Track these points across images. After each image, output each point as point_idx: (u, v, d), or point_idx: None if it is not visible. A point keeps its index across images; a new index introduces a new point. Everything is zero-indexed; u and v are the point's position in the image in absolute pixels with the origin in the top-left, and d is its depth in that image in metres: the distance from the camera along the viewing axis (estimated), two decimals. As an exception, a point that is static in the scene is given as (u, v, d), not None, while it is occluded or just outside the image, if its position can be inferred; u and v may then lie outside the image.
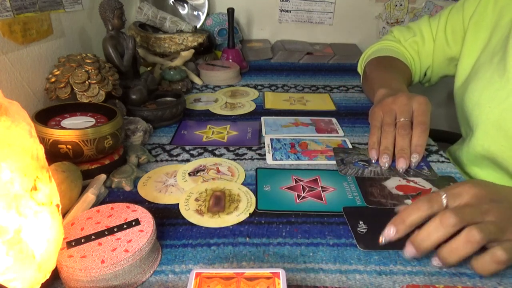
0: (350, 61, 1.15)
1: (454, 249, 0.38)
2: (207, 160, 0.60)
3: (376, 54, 0.84)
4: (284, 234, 0.45)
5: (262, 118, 0.76)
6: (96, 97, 0.62)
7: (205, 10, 1.21)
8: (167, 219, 0.47)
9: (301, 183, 0.55)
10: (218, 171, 0.57)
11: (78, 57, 0.63)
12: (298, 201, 0.51)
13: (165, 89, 0.85)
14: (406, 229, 0.41)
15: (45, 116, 0.54)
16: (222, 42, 1.18)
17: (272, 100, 0.86)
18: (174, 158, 0.61)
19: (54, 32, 0.71)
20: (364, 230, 0.45)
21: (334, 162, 0.60)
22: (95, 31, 0.87)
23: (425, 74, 0.85)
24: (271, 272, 0.33)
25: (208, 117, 0.77)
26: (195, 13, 1.22)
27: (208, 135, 0.69)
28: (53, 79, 0.61)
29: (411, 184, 0.55)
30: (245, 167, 0.59)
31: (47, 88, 0.62)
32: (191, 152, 0.63)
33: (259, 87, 0.95)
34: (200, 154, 0.63)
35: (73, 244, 0.37)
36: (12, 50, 0.60)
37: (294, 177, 0.56)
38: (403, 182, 0.55)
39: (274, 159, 0.61)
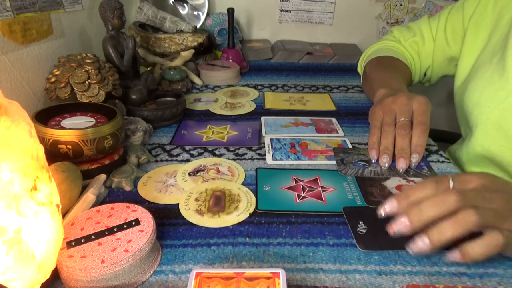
0: (350, 61, 1.15)
1: (446, 226, 0.37)
2: (207, 160, 0.60)
3: (376, 54, 0.84)
4: (284, 234, 0.45)
5: (262, 118, 0.76)
6: (96, 97, 0.62)
7: (205, 10, 1.21)
8: (167, 219, 0.47)
9: (301, 183, 0.55)
10: (218, 171, 0.57)
11: (78, 57, 0.63)
12: (298, 201, 0.51)
13: (165, 89, 0.85)
14: (408, 204, 0.40)
15: (45, 116, 0.54)
16: (222, 42, 1.18)
17: (272, 100, 0.86)
18: (174, 158, 0.61)
19: (54, 32, 0.71)
20: (364, 230, 0.45)
21: (334, 162, 0.60)
22: (95, 31, 0.87)
23: (425, 74, 0.85)
24: (271, 272, 0.33)
25: (208, 117, 0.77)
26: (195, 13, 1.22)
27: (208, 135, 0.69)
28: (53, 79, 0.61)
29: (411, 184, 0.55)
30: (245, 167, 0.59)
31: (47, 88, 0.62)
32: (191, 152, 0.63)
33: (259, 87, 0.95)
34: (200, 154, 0.63)
35: (73, 244, 0.37)
36: (12, 50, 0.60)
37: (294, 177, 0.56)
38: (403, 182, 0.55)
39: (274, 159, 0.61)
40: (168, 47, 0.97)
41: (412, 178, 0.56)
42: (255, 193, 0.52)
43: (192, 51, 0.96)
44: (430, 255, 0.42)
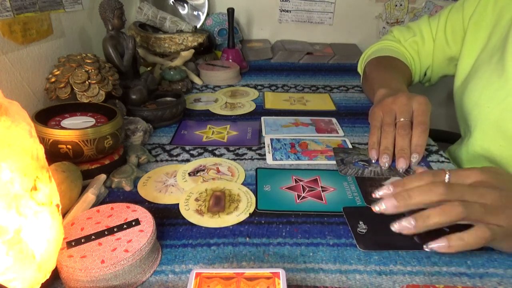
0: (350, 61, 1.15)
1: (432, 213, 0.38)
2: (207, 160, 0.60)
3: (376, 54, 0.84)
4: (284, 234, 0.45)
5: (262, 118, 0.76)
6: (96, 97, 0.62)
7: (205, 10, 1.21)
8: (167, 219, 0.47)
9: (301, 183, 0.55)
10: (218, 171, 0.57)
11: (78, 57, 0.63)
12: (298, 201, 0.51)
13: (165, 89, 0.85)
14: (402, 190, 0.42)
15: (45, 116, 0.54)
16: (222, 42, 1.18)
17: (272, 100, 0.86)
18: (174, 158, 0.61)
19: (54, 32, 0.71)
20: (364, 231, 0.45)
21: (334, 162, 0.60)
22: (95, 31, 0.87)
23: (425, 74, 0.85)
24: (271, 272, 0.33)
25: (208, 117, 0.77)
26: (195, 13, 1.22)
27: (208, 135, 0.69)
28: (53, 79, 0.61)
29: (411, 184, 0.55)
30: (245, 167, 0.59)
31: (47, 88, 0.62)
32: (191, 152, 0.63)
33: (259, 87, 0.95)
34: (200, 154, 0.63)
35: (73, 244, 0.37)
36: (12, 50, 0.60)
37: (294, 177, 0.56)
38: (402, 178, 0.55)
39: (274, 159, 0.61)
40: (168, 47, 0.97)
41: (412, 178, 0.56)
42: (255, 193, 0.52)
43: (192, 51, 0.96)
44: (430, 255, 0.42)
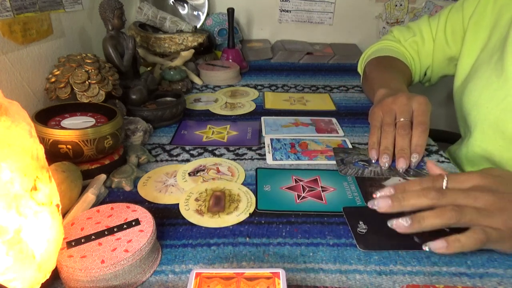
0: (350, 61, 1.15)
1: (427, 215, 0.40)
2: (207, 160, 0.60)
3: (376, 54, 0.84)
4: (284, 234, 0.45)
5: (262, 118, 0.76)
6: (96, 97, 0.62)
7: (205, 10, 1.21)
8: (167, 219, 0.47)
9: (301, 183, 0.55)
10: (218, 171, 0.57)
11: (78, 57, 0.63)
12: (298, 201, 0.51)
13: (165, 89, 0.85)
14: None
15: (45, 116, 0.54)
16: (222, 42, 1.18)
17: (272, 100, 0.86)
18: (174, 158, 0.61)
19: (54, 32, 0.71)
20: (364, 231, 0.45)
21: (334, 162, 0.60)
22: (95, 31, 0.87)
23: (425, 74, 0.85)
24: (271, 272, 0.33)
25: (208, 117, 0.77)
26: (195, 13, 1.22)
27: (208, 135, 0.69)
28: (53, 79, 0.61)
29: (411, 184, 0.55)
30: (245, 167, 0.59)
31: (47, 88, 0.62)
32: (191, 152, 0.63)
33: (259, 87, 0.95)
34: (200, 154, 0.63)
35: (73, 244, 0.37)
36: (12, 50, 0.60)
37: (294, 177, 0.56)
38: (403, 182, 0.55)
39: (274, 159, 0.61)
40: (168, 47, 0.97)
41: (412, 178, 0.56)
42: (255, 193, 0.52)
43: (192, 51, 0.96)
44: (430, 255, 0.42)
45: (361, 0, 1.27)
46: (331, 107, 0.83)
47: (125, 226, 0.39)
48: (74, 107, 0.58)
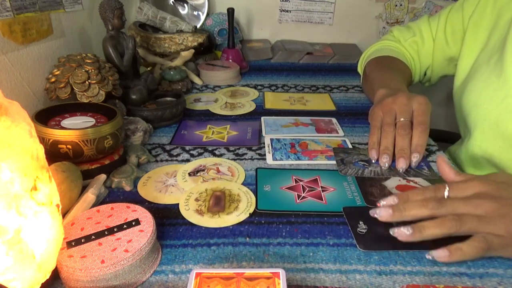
0: (350, 61, 1.15)
1: (428, 224, 0.41)
2: (207, 160, 0.60)
3: (376, 54, 0.84)
4: (284, 234, 0.45)
5: (262, 118, 0.76)
6: (96, 97, 0.62)
7: (205, 10, 1.21)
8: (167, 219, 0.47)
9: (301, 183, 0.55)
10: (218, 171, 0.57)
11: (78, 57, 0.63)
12: (298, 201, 0.51)
13: (165, 89, 0.85)
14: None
15: (45, 116, 0.54)
16: (222, 42, 1.18)
17: (272, 100, 0.86)
18: (174, 158, 0.61)
19: (54, 32, 0.71)
20: (364, 231, 0.45)
21: (334, 162, 0.60)
22: (95, 31, 0.87)
23: (425, 74, 0.85)
24: (271, 272, 0.33)
25: (208, 117, 0.77)
26: (195, 13, 1.22)
27: (208, 135, 0.69)
28: (53, 79, 0.61)
29: (411, 184, 0.55)
30: (245, 167, 0.59)
31: (47, 88, 0.62)
32: (191, 152, 0.63)
33: (259, 87, 0.95)
34: (200, 154, 0.63)
35: (73, 244, 0.37)
36: (12, 50, 0.60)
37: (294, 177, 0.56)
38: (403, 182, 0.55)
39: (274, 159, 0.61)
40: (168, 47, 0.97)
41: (412, 178, 0.56)
42: (255, 193, 0.52)
43: (192, 51, 0.96)
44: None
45: (361, 0, 1.27)
46: (331, 107, 0.83)
47: (125, 226, 0.39)
48: (74, 107, 0.58)
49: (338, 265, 0.41)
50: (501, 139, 0.59)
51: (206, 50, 1.08)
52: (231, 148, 0.64)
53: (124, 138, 0.61)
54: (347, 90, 0.94)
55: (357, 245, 0.43)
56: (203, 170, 0.57)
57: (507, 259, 0.41)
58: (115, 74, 0.66)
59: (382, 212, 0.43)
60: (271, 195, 0.52)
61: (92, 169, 0.53)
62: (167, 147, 0.65)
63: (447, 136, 1.07)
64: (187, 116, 0.77)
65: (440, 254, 0.40)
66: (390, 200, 0.45)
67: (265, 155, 0.62)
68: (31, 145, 0.31)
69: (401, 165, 0.56)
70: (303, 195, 0.52)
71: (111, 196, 0.52)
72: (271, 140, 0.67)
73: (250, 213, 0.48)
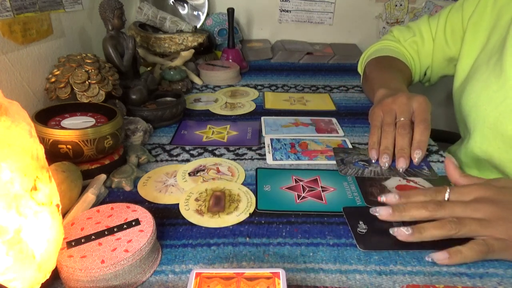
0: (350, 61, 1.15)
1: (428, 226, 0.41)
2: (207, 160, 0.60)
3: (376, 54, 0.84)
4: (284, 234, 0.45)
5: (262, 118, 0.76)
6: (96, 97, 0.62)
7: (205, 10, 1.21)
8: (167, 219, 0.47)
9: (301, 183, 0.55)
10: (218, 171, 0.57)
11: (78, 57, 0.63)
12: (298, 201, 0.51)
13: (165, 89, 0.85)
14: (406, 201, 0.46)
15: (45, 116, 0.54)
16: (222, 42, 1.18)
17: (272, 100, 0.86)
18: (174, 158, 0.61)
19: (54, 32, 0.71)
20: (364, 231, 0.45)
21: (334, 162, 0.60)
22: (95, 31, 0.87)
23: (425, 74, 0.85)
24: (271, 272, 0.33)
25: (208, 117, 0.77)
26: (195, 13, 1.22)
27: (208, 135, 0.69)
28: (53, 79, 0.61)
29: (411, 184, 0.55)
30: (245, 167, 0.59)
31: (47, 88, 0.62)
32: (191, 152, 0.63)
33: (259, 87, 0.95)
34: (200, 154, 0.63)
35: (73, 244, 0.37)
36: (12, 50, 0.60)
37: (294, 177, 0.56)
38: (403, 182, 0.55)
39: (274, 159, 0.61)
40: (168, 47, 0.97)
41: (412, 178, 0.56)
42: (255, 193, 0.52)
43: (192, 51, 0.96)
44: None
45: (361, 0, 1.27)
46: (331, 107, 0.83)
47: (125, 226, 0.39)
48: (74, 107, 0.58)
49: (338, 265, 0.41)
50: (501, 140, 0.59)
51: (206, 50, 1.08)
52: (231, 148, 0.64)
53: (124, 138, 0.61)
54: (347, 90, 0.94)
55: (357, 245, 0.43)
56: (203, 170, 0.57)
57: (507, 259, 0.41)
58: (115, 74, 0.66)
59: (382, 211, 0.44)
60: (271, 195, 0.52)
61: (92, 169, 0.53)
62: (167, 147, 0.65)
63: (447, 136, 1.07)
64: (187, 116, 0.77)
65: (439, 256, 0.40)
66: (391, 196, 0.46)
67: (265, 155, 0.62)
68: (31, 145, 0.31)
69: (401, 164, 0.56)
70: (303, 195, 0.52)
71: (111, 196, 0.52)
72: (271, 140, 0.67)
73: (250, 213, 0.48)
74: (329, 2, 1.27)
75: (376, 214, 0.44)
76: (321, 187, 0.54)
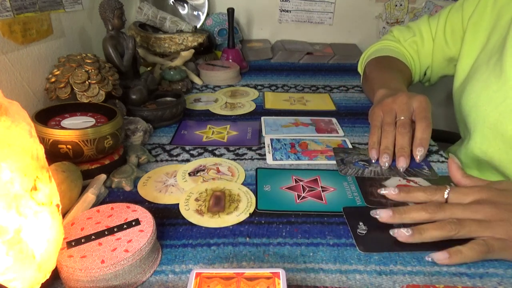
0: (350, 61, 1.15)
1: (428, 227, 0.42)
2: (207, 160, 0.60)
3: (376, 54, 0.84)
4: (284, 234, 0.45)
5: (262, 118, 0.76)
6: (96, 97, 0.62)
7: (205, 10, 1.21)
8: (167, 219, 0.47)
9: (301, 183, 0.55)
10: (218, 171, 0.57)
11: (78, 57, 0.63)
12: (298, 201, 0.51)
13: (165, 89, 0.85)
14: (407, 199, 0.47)
15: (45, 116, 0.54)
16: (222, 42, 1.18)
17: (272, 100, 0.86)
18: (174, 158, 0.61)
19: (54, 32, 0.71)
20: (364, 232, 0.45)
21: (334, 162, 0.60)
22: (95, 31, 0.87)
23: (425, 74, 0.85)
24: (271, 272, 0.33)
25: (208, 117, 0.77)
26: (195, 13, 1.22)
27: (208, 135, 0.69)
28: (53, 79, 0.61)
29: (411, 184, 0.55)
30: (245, 167, 0.59)
31: (47, 88, 0.62)
32: (191, 152, 0.63)
33: (259, 87, 0.95)
34: (200, 154, 0.63)
35: (73, 244, 0.37)
36: (12, 50, 0.60)
37: (294, 177, 0.56)
38: (403, 182, 0.55)
39: (274, 159, 0.61)
40: (168, 47, 0.97)
41: (412, 178, 0.56)
42: (255, 193, 0.52)
43: (192, 51, 0.96)
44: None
45: (361, 0, 1.27)
46: (331, 107, 0.83)
47: (125, 226, 0.39)
48: (74, 107, 0.58)
49: (338, 265, 0.41)
50: (501, 141, 0.59)
51: (206, 50, 1.08)
52: (231, 148, 0.64)
53: (124, 138, 0.61)
54: (347, 90, 0.94)
55: (357, 247, 0.43)
56: (203, 170, 0.57)
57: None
58: (115, 74, 0.66)
59: (382, 213, 0.44)
60: (271, 195, 0.52)
61: (92, 169, 0.53)
62: (167, 147, 0.65)
63: (447, 136, 1.07)
64: (187, 116, 0.77)
65: (439, 256, 0.40)
66: (391, 190, 0.46)
67: (265, 155, 0.62)
68: (31, 145, 0.31)
69: (401, 164, 0.56)
70: (303, 195, 0.52)
71: (111, 196, 0.52)
72: (271, 140, 0.67)
73: (250, 213, 0.48)
74: (329, 2, 1.27)
75: (377, 216, 0.44)
76: (321, 187, 0.54)
